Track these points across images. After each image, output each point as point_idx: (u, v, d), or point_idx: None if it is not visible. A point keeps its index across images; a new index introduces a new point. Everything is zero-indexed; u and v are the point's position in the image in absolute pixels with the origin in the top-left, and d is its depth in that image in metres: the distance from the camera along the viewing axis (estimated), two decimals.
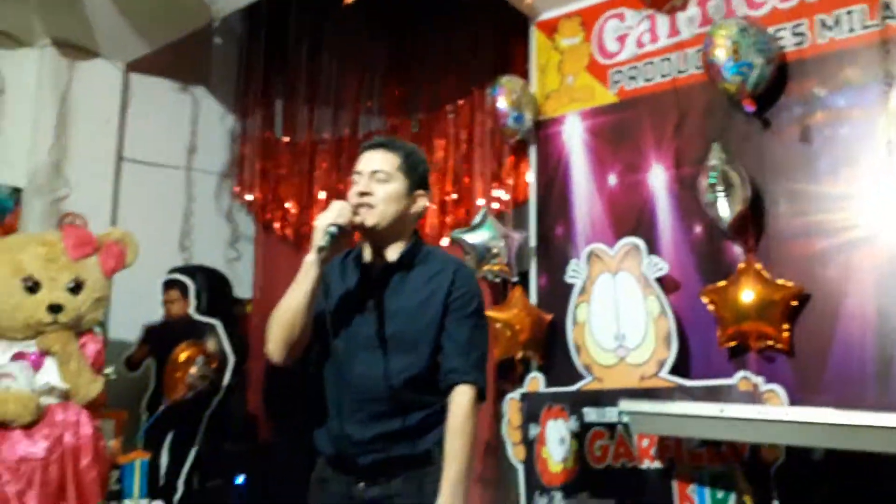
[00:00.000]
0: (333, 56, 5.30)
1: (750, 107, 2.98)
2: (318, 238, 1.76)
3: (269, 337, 1.84)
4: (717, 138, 3.07)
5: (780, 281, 2.90)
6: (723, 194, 2.91)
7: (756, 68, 2.92)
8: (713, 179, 2.93)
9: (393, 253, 1.87)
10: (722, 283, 2.99)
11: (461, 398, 1.80)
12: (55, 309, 3.09)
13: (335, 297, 1.86)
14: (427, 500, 1.76)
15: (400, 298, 1.85)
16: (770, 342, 2.87)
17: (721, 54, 2.92)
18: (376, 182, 1.83)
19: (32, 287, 3.09)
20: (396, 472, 1.80)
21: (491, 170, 4.22)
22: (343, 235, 1.77)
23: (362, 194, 1.82)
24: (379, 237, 1.86)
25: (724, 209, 2.91)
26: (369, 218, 1.81)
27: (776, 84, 3.02)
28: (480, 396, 1.84)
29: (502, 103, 3.58)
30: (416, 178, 1.89)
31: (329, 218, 1.76)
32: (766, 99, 3.03)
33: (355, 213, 1.81)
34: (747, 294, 2.88)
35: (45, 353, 3.09)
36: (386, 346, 1.80)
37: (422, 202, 1.91)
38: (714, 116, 3.22)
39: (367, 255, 1.90)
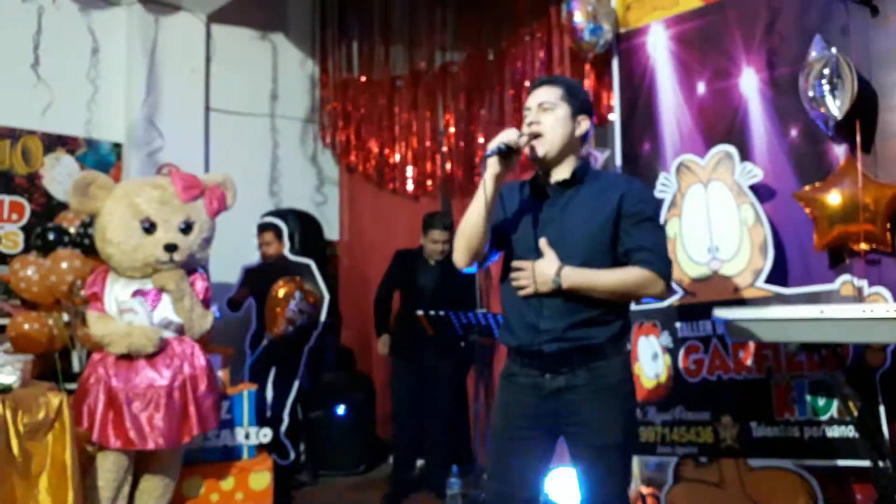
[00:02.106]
0: None
1: None
2: (488, 151, 1.97)
3: (455, 247, 2.08)
4: (814, 34, 2.88)
5: (881, 180, 2.73)
6: (830, 89, 2.72)
7: None
8: (822, 72, 2.73)
9: (564, 172, 2.06)
10: (818, 185, 2.84)
11: (645, 269, 1.97)
12: (171, 248, 3.26)
13: (511, 214, 2.10)
14: (606, 393, 1.96)
15: (570, 210, 2.03)
16: (872, 244, 2.73)
17: None
18: (543, 112, 2.04)
19: (149, 228, 3.26)
20: (578, 363, 1.97)
21: None
22: (509, 153, 1.97)
23: (531, 124, 2.04)
24: (550, 161, 2.06)
25: (834, 105, 2.73)
26: (541, 146, 2.03)
27: None
28: (667, 287, 2.02)
29: (578, 16, 3.48)
30: (578, 103, 2.08)
31: (499, 138, 1.98)
32: None
33: (530, 144, 2.02)
34: (846, 194, 2.73)
35: (160, 290, 3.27)
36: (561, 252, 1.98)
37: (585, 124, 2.09)
38: (810, 11, 3.03)
39: (544, 178, 2.10)
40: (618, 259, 2.00)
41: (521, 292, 1.99)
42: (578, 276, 1.95)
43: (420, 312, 3.82)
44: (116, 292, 3.27)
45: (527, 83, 4.36)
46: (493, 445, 2.09)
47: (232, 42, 5.40)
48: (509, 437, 2.04)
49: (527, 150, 2.03)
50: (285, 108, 5.65)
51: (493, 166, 1.97)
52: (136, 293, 3.25)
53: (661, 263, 1.99)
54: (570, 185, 2.04)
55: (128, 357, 3.18)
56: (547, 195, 2.06)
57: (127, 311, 3.25)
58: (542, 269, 1.96)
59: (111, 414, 3.11)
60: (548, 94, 2.05)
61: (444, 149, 5.01)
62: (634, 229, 1.99)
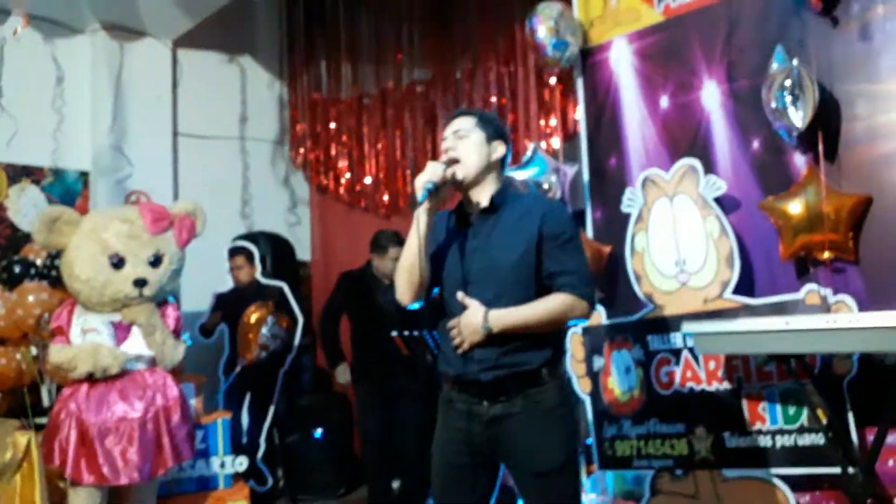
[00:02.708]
0: (371, 9, 5.28)
1: (816, 5, 2.82)
2: (417, 195, 2.01)
3: (397, 284, 2.11)
4: (773, 45, 2.92)
5: (843, 189, 2.77)
6: (792, 100, 2.75)
7: None
8: (784, 84, 2.76)
9: (483, 198, 2.10)
10: (782, 195, 2.88)
11: (568, 296, 2.01)
12: (140, 283, 3.22)
13: (441, 243, 2.14)
14: (544, 419, 1.98)
15: (493, 237, 2.06)
16: (836, 252, 2.76)
17: None
18: (458, 139, 2.10)
19: (117, 263, 3.22)
20: (514, 391, 1.99)
21: (538, 105, 4.15)
22: (438, 190, 2.01)
23: (447, 150, 2.10)
24: (470, 186, 2.10)
25: (796, 116, 2.76)
26: (459, 171, 2.07)
27: None
28: (590, 307, 2.06)
29: (541, 32, 3.49)
30: (492, 129, 2.13)
31: (424, 177, 2.01)
32: None
33: (450, 170, 2.06)
34: (809, 204, 2.77)
35: (131, 324, 3.24)
36: (481, 281, 2.02)
37: (501, 149, 2.14)
38: (768, 23, 3.07)
39: (466, 206, 2.14)
40: (541, 282, 2.03)
41: (458, 350, 2.01)
42: (506, 318, 1.98)
43: (395, 333, 3.80)
44: (82, 323, 3.23)
45: (493, 100, 4.39)
46: (437, 475, 2.09)
47: (199, 66, 5.39)
48: (450, 465, 2.05)
49: (447, 174, 2.06)
50: (255, 131, 5.64)
51: (421, 204, 2.01)
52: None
53: (584, 286, 2.03)
54: (491, 212, 2.08)
55: (99, 389, 3.13)
56: (470, 224, 2.10)
57: (90, 330, 3.21)
58: (469, 321, 1.98)
59: (83, 449, 3.05)
60: (462, 123, 2.12)
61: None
62: (557, 251, 2.02)
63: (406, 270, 2.06)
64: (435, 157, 4.89)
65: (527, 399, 1.99)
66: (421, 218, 2.00)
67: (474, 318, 1.98)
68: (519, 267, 2.01)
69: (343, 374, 4.20)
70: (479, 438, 2.01)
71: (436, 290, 2.16)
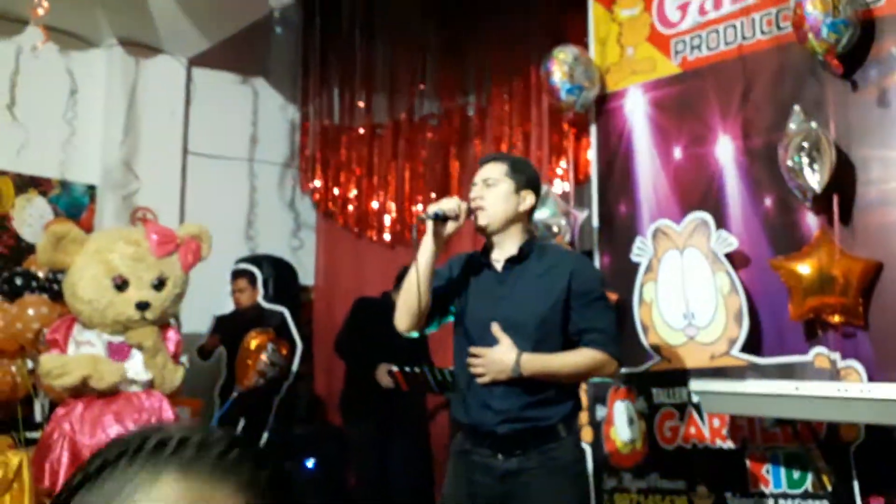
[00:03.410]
0: (387, 40, 5.31)
1: (837, 67, 2.84)
2: (424, 215, 2.04)
3: (397, 309, 2.10)
4: (788, 105, 2.93)
5: (851, 253, 2.77)
6: (809, 161, 2.76)
7: (850, 26, 2.77)
8: (802, 145, 2.77)
9: (511, 248, 2.10)
10: (794, 255, 2.87)
11: (598, 352, 2.01)
12: (143, 306, 3.20)
13: (460, 286, 2.13)
14: (559, 476, 1.96)
15: (520, 287, 2.05)
16: (845, 317, 2.75)
17: (817, 10, 2.74)
18: (486, 187, 2.10)
19: (121, 285, 3.20)
20: (531, 445, 1.95)
21: (551, 147, 4.15)
22: (445, 220, 2.02)
23: (475, 198, 2.11)
24: (494, 234, 2.11)
25: (812, 178, 2.76)
26: (482, 218, 2.08)
27: (860, 43, 2.85)
28: (619, 366, 2.08)
29: (556, 76, 3.51)
30: (523, 179, 2.13)
31: (437, 204, 2.05)
32: (845, 60, 2.86)
33: (472, 214, 2.08)
34: (820, 266, 2.76)
35: (135, 347, 3.21)
36: (508, 329, 2.01)
37: (530, 199, 2.14)
38: (784, 83, 3.09)
39: (493, 254, 2.15)
40: (569, 338, 2.02)
41: (479, 380, 1.99)
42: (537, 364, 1.97)
43: (395, 368, 3.78)
44: (77, 336, 3.21)
45: (505, 139, 4.40)
46: None
47: (212, 85, 5.41)
48: None
49: (472, 219, 2.08)
50: (264, 153, 5.65)
51: (428, 229, 2.01)
52: (109, 345, 3.19)
53: (613, 345, 2.03)
54: (517, 262, 2.08)
55: (93, 411, 3.09)
56: (495, 270, 2.09)
57: (84, 343, 3.18)
58: (500, 358, 1.97)
59: None
60: (492, 171, 2.12)
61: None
62: (586, 309, 2.02)
63: (405, 298, 2.05)
64: (446, 190, 4.90)
65: (543, 455, 1.97)
66: (424, 244, 2.01)
67: (505, 356, 1.96)
68: (546, 320, 2.01)
69: (384, 376, 3.90)
70: (493, 491, 1.98)
71: (434, 326, 2.14)
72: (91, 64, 4.97)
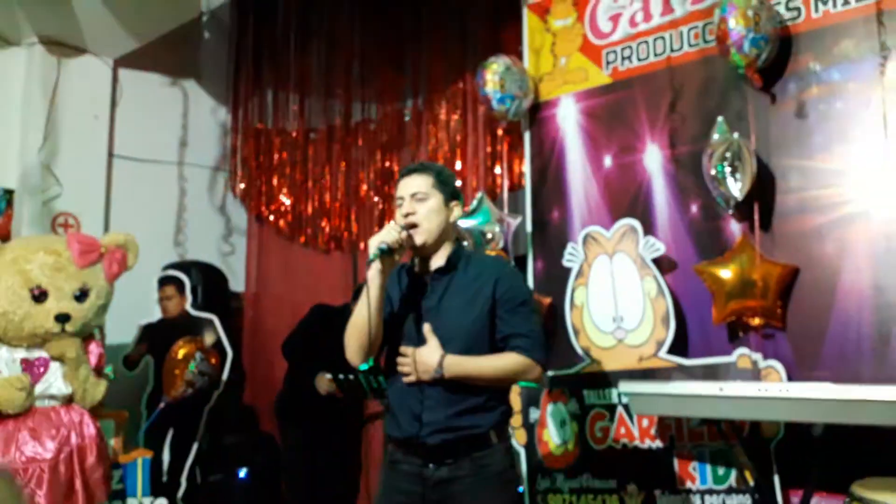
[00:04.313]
0: (323, 43, 5.26)
1: (757, 81, 2.96)
2: (370, 254, 1.99)
3: (346, 344, 2.08)
4: (714, 116, 3.04)
5: (771, 259, 2.89)
6: (731, 171, 2.85)
7: (770, 42, 2.89)
8: (724, 155, 2.86)
9: (439, 259, 2.11)
10: (716, 260, 2.98)
11: (522, 356, 2.02)
12: (63, 318, 3.08)
13: (394, 304, 2.13)
14: (491, 483, 1.97)
15: (447, 299, 2.06)
16: (765, 319, 2.87)
17: (740, 25, 2.85)
18: (416, 202, 2.08)
19: (39, 297, 3.07)
20: (462, 454, 1.98)
21: (485, 155, 4.20)
22: (391, 252, 2.00)
23: (407, 215, 2.07)
24: (427, 249, 2.10)
25: (734, 186, 2.86)
26: (419, 236, 2.06)
27: (778, 58, 2.99)
28: (543, 371, 2.08)
29: (487, 85, 3.55)
30: (449, 190, 2.14)
31: (379, 237, 2.00)
32: (765, 74, 2.99)
33: (408, 234, 2.05)
34: (741, 270, 2.87)
35: (57, 359, 3.08)
36: (442, 341, 2.01)
37: (457, 210, 2.16)
38: (710, 94, 3.20)
39: (420, 266, 2.15)
40: (495, 344, 2.04)
41: (405, 379, 2.01)
42: (460, 366, 1.98)
43: (328, 376, 3.74)
44: None
45: (441, 146, 4.42)
46: None
47: (140, 87, 5.24)
48: None
49: (408, 239, 2.06)
50: (194, 156, 5.51)
51: (376, 265, 1.99)
52: (23, 362, 3.05)
53: (538, 350, 2.05)
54: (445, 272, 2.09)
55: (8, 427, 2.95)
56: (424, 283, 2.10)
57: None
58: (425, 358, 1.98)
59: None
60: (419, 184, 2.09)
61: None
62: (511, 315, 2.04)
63: (356, 334, 2.03)
64: (379, 194, 4.89)
65: (473, 462, 1.98)
66: (374, 280, 1.99)
67: (430, 358, 1.98)
68: (474, 329, 2.02)
69: (323, 384, 3.88)
70: (425, 501, 1.98)
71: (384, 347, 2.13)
72: (9, 63, 4.76)
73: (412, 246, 2.07)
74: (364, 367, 2.13)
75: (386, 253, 1.97)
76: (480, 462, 1.98)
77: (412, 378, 1.99)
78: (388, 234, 1.99)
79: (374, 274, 1.99)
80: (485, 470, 1.98)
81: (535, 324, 2.09)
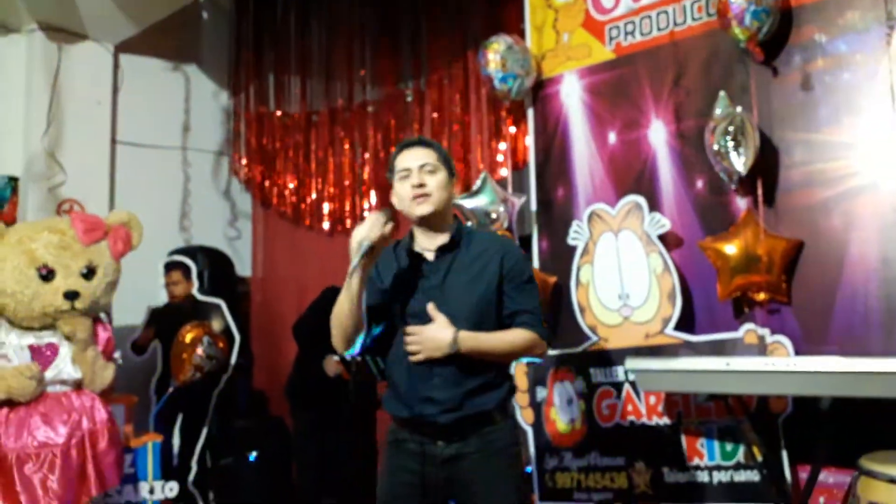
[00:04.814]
0: (323, 25, 5.23)
1: (758, 55, 2.92)
2: (354, 253, 1.94)
3: (332, 335, 2.09)
4: (718, 90, 3.01)
5: (776, 233, 2.87)
6: (734, 145, 2.83)
7: (772, 15, 2.86)
8: (727, 129, 2.84)
9: (441, 237, 2.07)
10: (720, 236, 2.96)
11: (531, 332, 2.03)
12: (71, 295, 3.09)
13: (392, 283, 2.07)
14: (497, 459, 1.98)
15: (451, 276, 2.03)
16: (771, 294, 2.85)
17: None
18: (427, 174, 2.03)
19: (47, 275, 3.08)
20: (470, 431, 1.97)
21: (489, 134, 4.17)
22: (374, 249, 1.95)
23: (420, 185, 2.02)
24: (432, 223, 2.06)
25: (738, 160, 2.84)
26: (427, 207, 2.02)
27: (780, 31, 2.95)
28: (548, 347, 2.11)
29: (489, 65, 3.52)
30: (451, 167, 2.11)
31: (362, 233, 1.94)
32: (770, 46, 2.96)
33: (393, 225, 1.98)
34: (745, 246, 2.85)
35: (68, 338, 3.09)
36: (449, 318, 1.97)
37: (456, 189, 2.19)
38: (714, 68, 3.17)
39: (419, 241, 2.10)
40: (502, 321, 2.04)
41: (413, 358, 1.97)
42: (475, 341, 1.97)
43: (336, 357, 3.75)
44: (6, 341, 3.07)
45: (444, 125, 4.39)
46: None
47: (142, 72, 5.23)
48: None
49: (417, 212, 2.01)
50: (197, 141, 5.50)
51: (358, 264, 1.95)
52: (31, 348, 3.06)
53: (539, 327, 2.05)
54: (448, 250, 2.06)
55: (20, 413, 2.98)
56: (425, 260, 2.06)
57: (1, 357, 3.05)
58: (436, 335, 1.95)
59: (1, 477, 2.89)
60: (428, 156, 2.06)
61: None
62: (517, 292, 2.04)
63: (339, 324, 2.04)
64: (385, 179, 4.86)
65: (481, 438, 1.98)
66: (354, 277, 1.96)
67: (441, 334, 1.94)
68: (481, 306, 2.01)
69: (331, 366, 3.90)
70: (433, 479, 1.99)
71: (377, 331, 2.09)
72: (10, 50, 4.75)
73: (419, 218, 2.03)
74: (351, 352, 2.12)
75: (370, 251, 1.94)
76: (488, 438, 1.99)
77: (421, 357, 1.97)
78: (373, 230, 1.93)
79: (355, 271, 1.95)
80: (492, 446, 1.99)
81: (538, 300, 2.09)
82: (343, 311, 2.01)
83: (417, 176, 2.02)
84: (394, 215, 1.99)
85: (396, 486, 2.03)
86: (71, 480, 2.94)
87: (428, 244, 2.08)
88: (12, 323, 3.11)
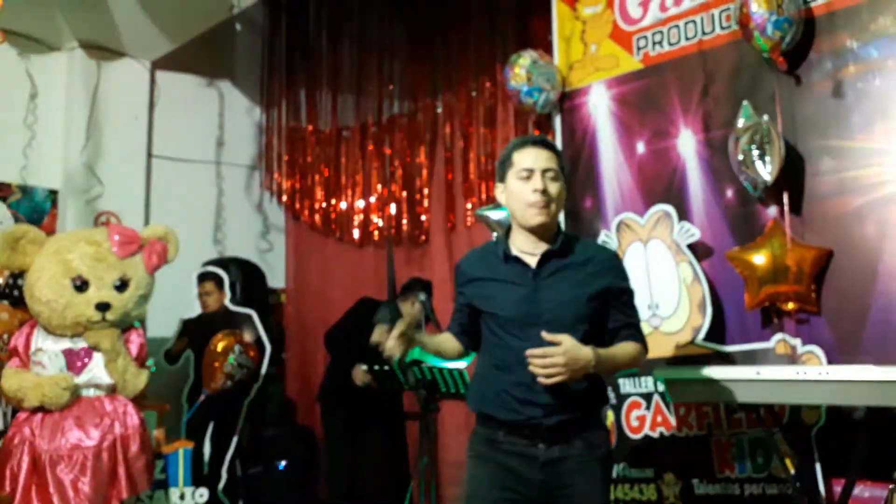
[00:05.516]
0: (354, 41, 5.31)
1: (782, 65, 2.90)
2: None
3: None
4: (745, 98, 2.99)
5: (805, 242, 2.82)
6: (760, 154, 2.81)
7: (794, 24, 2.84)
8: (751, 138, 2.82)
9: (546, 241, 2.01)
10: (748, 246, 2.92)
11: (640, 345, 2.05)
12: (103, 307, 3.15)
13: (493, 289, 2.02)
14: (596, 461, 1.97)
15: (557, 283, 1.98)
16: (800, 304, 2.80)
17: (762, 9, 2.81)
18: (550, 180, 1.97)
19: (81, 286, 3.15)
20: (573, 433, 1.95)
21: None
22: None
23: (544, 191, 1.95)
24: (542, 231, 2.00)
25: (763, 169, 2.81)
26: (545, 217, 1.96)
27: (804, 40, 2.93)
28: (645, 356, 2.11)
29: (514, 81, 3.55)
30: (566, 174, 2.07)
31: (391, 349, 1.98)
32: (794, 56, 2.94)
33: (530, 211, 1.97)
34: (773, 256, 2.81)
35: (94, 349, 3.16)
36: (554, 323, 1.92)
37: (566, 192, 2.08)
38: (742, 77, 3.15)
39: (519, 244, 2.03)
40: (600, 331, 2.02)
41: (546, 381, 1.85)
42: (611, 360, 1.95)
43: (364, 367, 3.77)
44: (42, 347, 3.15)
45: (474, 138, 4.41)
46: None
47: (177, 88, 5.36)
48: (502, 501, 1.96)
49: (534, 220, 1.97)
50: (231, 156, 5.61)
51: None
52: (66, 353, 3.13)
53: (644, 339, 2.07)
54: (557, 256, 2.00)
55: (54, 416, 3.04)
56: (526, 265, 2.00)
57: (37, 364, 3.13)
58: (578, 356, 1.85)
59: (35, 477, 2.96)
60: (551, 161, 1.99)
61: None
62: (625, 307, 2.05)
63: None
64: (413, 188, 4.89)
65: (584, 441, 1.96)
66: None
67: (583, 353, 1.85)
68: (588, 316, 1.98)
69: (359, 375, 3.92)
70: (533, 482, 1.94)
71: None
72: (52, 67, 4.90)
73: (534, 226, 1.98)
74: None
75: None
76: (590, 441, 1.97)
77: (560, 379, 1.84)
78: (396, 349, 1.95)
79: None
80: (594, 450, 1.97)
81: (639, 313, 2.12)
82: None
83: (541, 181, 1.95)
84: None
85: (494, 488, 1.96)
86: (102, 483, 3.00)
87: (531, 248, 2.01)
88: (47, 330, 3.19)
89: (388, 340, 1.96)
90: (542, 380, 1.85)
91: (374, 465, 4.07)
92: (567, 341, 1.85)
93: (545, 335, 1.86)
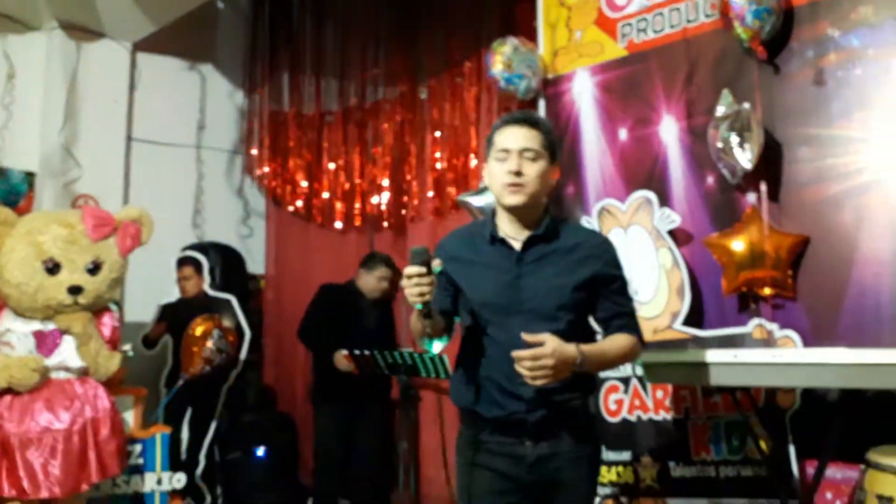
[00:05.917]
0: (338, 25, 5.27)
1: (762, 54, 2.92)
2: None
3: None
4: (728, 86, 3.01)
5: (782, 229, 2.85)
6: (739, 141, 2.83)
7: (774, 13, 2.86)
8: (731, 125, 2.83)
9: (530, 225, 1.92)
10: (725, 233, 2.95)
11: (633, 337, 1.95)
12: (75, 290, 3.12)
13: (475, 272, 1.92)
14: (585, 455, 1.92)
15: (541, 270, 1.90)
16: (776, 289, 2.83)
17: None
18: (527, 161, 1.87)
19: (52, 269, 3.11)
20: (560, 428, 1.88)
21: None
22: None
23: (516, 174, 1.86)
24: (522, 213, 1.91)
25: (743, 156, 2.82)
26: (518, 198, 1.87)
27: (784, 29, 2.95)
28: (642, 348, 2.02)
29: (495, 68, 3.55)
30: (554, 152, 1.95)
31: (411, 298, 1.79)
32: (774, 44, 2.96)
33: (503, 192, 1.87)
34: (751, 242, 2.83)
35: (65, 332, 3.12)
36: (534, 311, 1.86)
37: (557, 174, 1.98)
38: (725, 65, 3.16)
39: (503, 227, 1.95)
40: (585, 319, 1.95)
41: (536, 383, 1.76)
42: (600, 355, 1.86)
43: (345, 352, 3.76)
44: (11, 328, 3.11)
45: (457, 123, 4.41)
46: None
47: (158, 71, 5.29)
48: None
49: (506, 201, 1.88)
50: (212, 139, 5.55)
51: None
52: (36, 334, 3.09)
53: (638, 329, 1.97)
54: (542, 240, 1.92)
55: (23, 398, 3.00)
56: (510, 248, 1.92)
57: (5, 344, 3.09)
58: (565, 355, 1.75)
59: (4, 461, 2.92)
60: (531, 140, 1.88)
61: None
62: (617, 295, 1.94)
63: (415, 335, 1.97)
64: (398, 177, 4.88)
65: (572, 436, 1.89)
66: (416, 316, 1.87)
67: (569, 352, 1.76)
68: (575, 305, 1.89)
69: (341, 361, 3.85)
70: (523, 481, 1.88)
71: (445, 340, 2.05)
72: (30, 48, 4.82)
73: (508, 207, 1.88)
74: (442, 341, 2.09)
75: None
76: (578, 435, 1.90)
77: (549, 381, 1.75)
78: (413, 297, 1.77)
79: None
80: (583, 447, 1.91)
81: (632, 302, 2.00)
82: (416, 329, 1.92)
83: (516, 161, 1.86)
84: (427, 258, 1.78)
85: (487, 493, 1.90)
86: (72, 466, 2.96)
87: (514, 233, 1.93)
88: (16, 312, 3.14)
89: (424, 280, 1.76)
90: (528, 381, 1.78)
91: (366, 459, 4.07)
92: (551, 342, 1.75)
93: (525, 336, 1.77)
